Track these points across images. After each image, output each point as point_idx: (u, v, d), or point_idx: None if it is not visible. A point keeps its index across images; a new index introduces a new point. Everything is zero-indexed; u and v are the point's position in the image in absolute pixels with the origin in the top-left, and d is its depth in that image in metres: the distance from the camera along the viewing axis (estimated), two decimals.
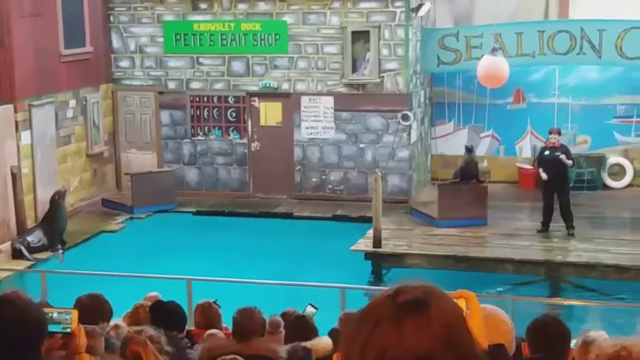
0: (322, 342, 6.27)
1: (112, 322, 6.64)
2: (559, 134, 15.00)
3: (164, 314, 6.36)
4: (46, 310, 3.63)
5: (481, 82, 15.88)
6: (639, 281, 13.19)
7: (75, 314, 3.61)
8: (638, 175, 18.35)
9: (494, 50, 15.55)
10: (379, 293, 1.76)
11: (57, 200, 15.50)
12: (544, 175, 14.48)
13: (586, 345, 5.10)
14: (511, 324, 3.40)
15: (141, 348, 4.18)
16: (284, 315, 7.09)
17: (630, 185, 18.35)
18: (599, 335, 5.80)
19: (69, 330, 3.52)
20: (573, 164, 14.98)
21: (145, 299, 7.52)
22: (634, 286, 13.09)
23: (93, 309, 5.76)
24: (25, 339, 2.80)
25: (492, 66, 15.19)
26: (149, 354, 4.18)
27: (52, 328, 3.50)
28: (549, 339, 4.55)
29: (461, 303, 1.91)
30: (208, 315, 7.10)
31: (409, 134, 17.69)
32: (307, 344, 6.15)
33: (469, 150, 15.87)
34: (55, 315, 3.57)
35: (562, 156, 14.38)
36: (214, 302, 7.47)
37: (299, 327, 6.57)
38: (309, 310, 7.15)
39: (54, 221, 15.36)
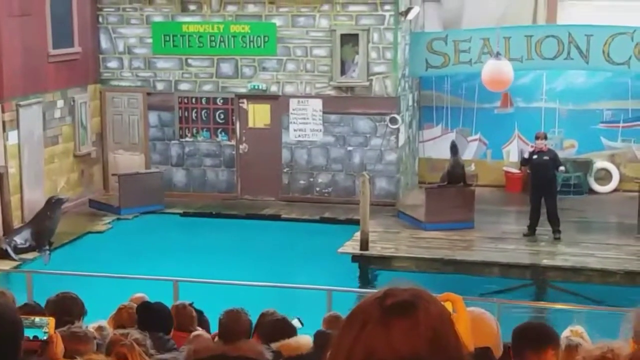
0: (302, 340, 6.27)
1: (95, 324, 6.64)
2: (546, 138, 15.10)
3: (150, 315, 6.35)
4: (28, 316, 3.64)
5: (486, 86, 15.90)
6: (625, 285, 13.25)
7: (52, 321, 3.63)
8: (624, 180, 18.44)
9: (497, 55, 15.61)
10: (366, 295, 1.77)
11: (54, 204, 15.43)
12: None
13: (570, 348, 5.13)
14: (498, 327, 3.42)
15: (127, 350, 4.19)
16: (262, 315, 7.07)
17: (616, 190, 18.43)
18: (576, 329, 5.84)
19: (46, 337, 3.54)
20: (566, 169, 15.08)
21: (131, 300, 7.51)
22: (619, 290, 13.15)
23: (63, 308, 5.74)
24: (1, 339, 2.80)
25: (496, 70, 15.26)
26: (135, 355, 4.18)
27: (33, 332, 3.51)
28: (536, 343, 4.57)
29: (448, 306, 1.93)
30: (182, 316, 7.06)
31: (397, 137, 17.72)
32: (290, 341, 6.14)
33: (454, 151, 15.89)
34: (37, 320, 3.59)
35: (562, 168, 14.68)
36: (190, 304, 7.46)
37: (278, 329, 6.56)
38: (295, 323, 7.14)
39: (44, 222, 15.29)
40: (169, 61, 18.52)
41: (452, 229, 15.19)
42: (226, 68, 18.25)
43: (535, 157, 14.71)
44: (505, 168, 18.73)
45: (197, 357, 4.86)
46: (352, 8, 17.49)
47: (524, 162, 15.12)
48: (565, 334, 5.74)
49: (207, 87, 18.43)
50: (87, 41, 18.33)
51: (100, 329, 6.52)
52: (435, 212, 15.35)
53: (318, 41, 17.74)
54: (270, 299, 9.66)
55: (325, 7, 17.58)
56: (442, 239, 14.93)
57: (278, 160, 18.20)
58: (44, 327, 3.58)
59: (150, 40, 18.54)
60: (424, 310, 1.65)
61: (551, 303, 13.11)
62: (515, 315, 10.74)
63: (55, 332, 3.61)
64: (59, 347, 3.57)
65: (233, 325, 5.76)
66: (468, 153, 18.70)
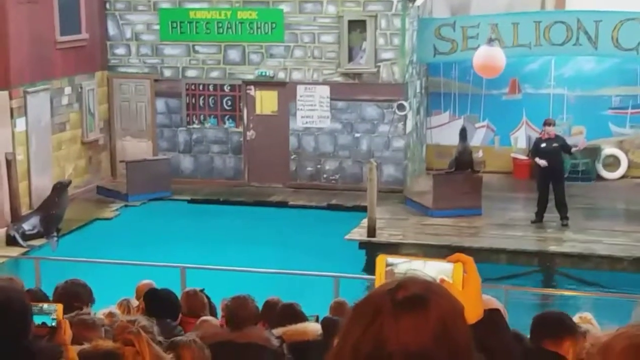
0: (311, 326, 6.28)
1: (106, 310, 6.67)
2: (554, 125, 15.06)
3: (157, 302, 6.37)
4: (36, 302, 3.67)
5: (478, 72, 15.91)
6: (632, 272, 13.24)
7: (60, 307, 3.65)
8: (632, 166, 18.38)
9: (490, 41, 15.56)
10: (378, 285, 1.76)
11: (59, 189, 15.48)
12: (542, 162, 14.45)
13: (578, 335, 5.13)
14: (505, 313, 3.42)
15: (134, 336, 4.19)
16: (267, 303, 7.08)
17: (624, 176, 18.38)
18: (585, 316, 5.84)
19: (54, 323, 3.57)
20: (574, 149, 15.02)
21: (138, 286, 7.53)
22: (627, 277, 13.13)
23: (72, 295, 5.76)
24: (11, 325, 2.82)
25: (488, 57, 15.21)
26: (142, 342, 4.19)
27: (41, 319, 3.54)
28: (554, 332, 4.58)
29: (458, 267, 1.92)
30: (193, 303, 7.08)
31: (405, 124, 17.69)
32: (296, 327, 6.15)
33: (463, 136, 15.85)
34: (45, 307, 3.61)
35: (574, 148, 14.58)
36: (201, 291, 7.48)
37: (287, 315, 6.57)
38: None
39: (52, 209, 15.33)
40: (176, 48, 18.50)
41: (460, 216, 15.17)
42: (233, 54, 18.22)
43: (543, 144, 14.66)
44: (513, 154, 18.69)
45: (205, 342, 4.88)
46: None
47: (534, 152, 14.96)
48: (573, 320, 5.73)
49: (214, 74, 18.40)
50: (95, 28, 18.32)
51: (110, 315, 6.55)
52: (443, 199, 15.33)
53: (325, 27, 17.69)
54: (277, 286, 9.68)
55: None
56: (450, 225, 14.92)
57: (285, 147, 18.19)
58: (52, 313, 3.60)
59: (157, 27, 18.52)
60: (435, 305, 1.64)
61: (559, 290, 13.12)
62: (522, 302, 10.75)
63: (63, 318, 3.63)
64: (67, 333, 3.59)
65: (240, 312, 5.76)
66: (476, 139, 18.65)
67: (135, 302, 7.05)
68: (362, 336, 1.63)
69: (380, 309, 1.64)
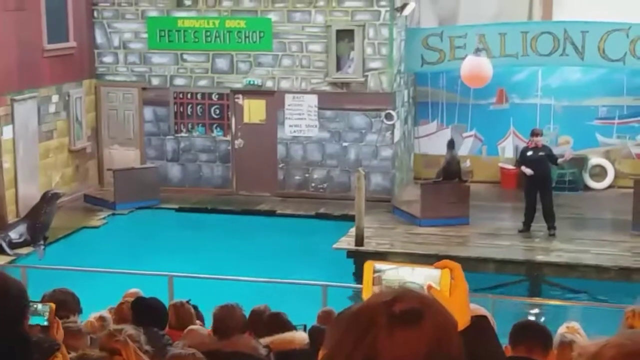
0: (298, 335, 6.27)
1: (97, 314, 6.65)
2: (542, 134, 15.12)
3: (145, 311, 6.35)
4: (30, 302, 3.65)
5: (465, 82, 15.98)
6: (619, 281, 13.28)
7: (52, 307, 3.64)
8: (619, 176, 18.46)
9: (477, 51, 15.64)
10: (374, 295, 1.74)
11: (50, 199, 15.40)
12: (528, 171, 14.51)
13: (564, 345, 5.14)
14: (493, 322, 3.43)
15: (121, 345, 4.18)
16: (253, 312, 7.07)
17: (611, 186, 18.45)
18: (572, 326, 5.86)
19: (46, 323, 3.57)
20: (564, 160, 15.12)
21: (126, 295, 7.51)
22: (614, 286, 13.18)
23: (59, 303, 5.73)
24: (8, 309, 2.82)
25: (475, 66, 15.28)
26: (129, 351, 4.18)
27: (36, 320, 3.54)
28: (532, 340, 4.60)
29: (445, 273, 1.91)
30: (181, 315, 7.06)
31: (392, 133, 17.72)
32: (284, 336, 6.14)
33: (451, 146, 15.93)
34: (40, 307, 3.61)
35: (560, 159, 14.70)
36: (187, 302, 7.47)
37: (274, 324, 6.56)
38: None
39: (39, 217, 15.25)
40: (164, 56, 18.49)
41: (447, 225, 15.20)
42: (221, 63, 18.23)
43: (530, 153, 14.72)
44: (500, 164, 18.74)
45: None
46: (347, 4, 17.47)
47: (521, 160, 15.04)
48: (561, 330, 5.76)
49: (202, 83, 18.40)
50: (82, 36, 18.29)
51: (101, 318, 6.53)
52: (431, 208, 15.36)
53: (314, 37, 17.72)
54: (265, 295, 9.66)
55: (321, 2, 17.57)
56: (437, 234, 14.94)
57: (273, 155, 18.19)
58: (45, 314, 3.61)
59: (145, 35, 18.51)
60: (430, 321, 1.63)
61: (546, 299, 13.15)
62: (509, 311, 10.76)
63: (55, 317, 3.63)
64: (59, 332, 3.59)
65: (227, 321, 5.76)
66: (463, 149, 18.69)
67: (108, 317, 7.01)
68: (354, 348, 1.62)
69: (375, 321, 1.62)
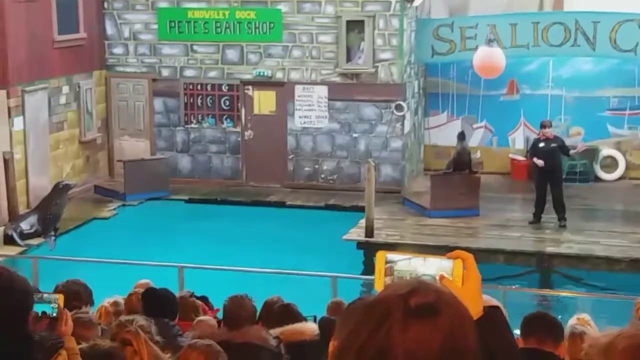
0: (308, 326, 6.27)
1: (111, 299, 6.68)
2: (551, 125, 15.06)
3: (155, 301, 6.36)
4: (36, 292, 3.66)
5: (477, 73, 15.91)
6: (630, 273, 13.24)
7: (61, 298, 3.64)
8: (630, 167, 18.39)
9: (489, 41, 15.58)
10: (390, 287, 1.73)
11: (61, 190, 15.45)
12: (540, 162, 14.46)
13: (574, 336, 5.13)
14: (505, 312, 3.42)
15: (132, 336, 4.19)
16: (266, 303, 7.08)
17: (622, 177, 18.38)
18: (583, 317, 5.84)
19: (55, 314, 3.56)
20: (576, 152, 15.15)
21: (136, 286, 7.52)
22: (624, 278, 13.14)
23: (72, 294, 5.75)
24: (12, 307, 2.82)
25: (488, 57, 15.22)
26: (140, 342, 4.19)
27: (41, 307, 3.53)
28: (543, 332, 4.59)
29: (458, 263, 1.90)
30: (185, 307, 7.08)
31: (403, 124, 17.69)
32: (294, 327, 6.14)
33: (462, 138, 15.88)
34: (45, 295, 3.60)
35: (573, 151, 14.78)
36: (191, 295, 7.48)
37: (284, 315, 6.56)
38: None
39: (50, 208, 15.30)
40: (174, 47, 18.50)
41: (457, 217, 15.17)
42: (231, 54, 18.22)
43: (542, 144, 14.67)
44: (511, 155, 18.69)
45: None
46: None
47: (532, 152, 15.01)
48: (571, 322, 5.74)
49: (212, 74, 18.40)
50: (93, 27, 18.30)
51: (115, 304, 6.57)
52: (441, 200, 15.33)
53: (324, 27, 17.69)
54: (275, 286, 9.67)
55: None
56: (447, 226, 14.92)
57: (283, 147, 18.19)
58: (52, 302, 3.59)
59: (155, 26, 18.51)
60: (446, 316, 1.61)
61: (557, 291, 13.12)
62: (520, 302, 10.75)
63: (64, 309, 3.62)
64: (69, 324, 3.58)
65: (237, 311, 5.76)
66: (474, 140, 18.64)
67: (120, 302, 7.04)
68: (368, 339, 1.60)
69: (390, 313, 1.60)
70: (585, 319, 5.93)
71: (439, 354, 1.58)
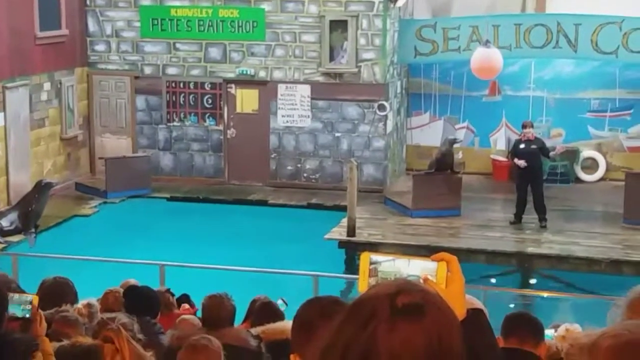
0: (290, 325, 6.27)
1: (84, 301, 6.64)
2: (532, 126, 15.13)
3: (137, 299, 6.35)
4: (9, 293, 3.63)
5: (475, 74, 15.91)
6: (610, 274, 13.32)
7: (35, 299, 3.61)
8: (610, 169, 18.50)
9: (487, 43, 15.63)
10: (376, 286, 1.72)
11: (42, 188, 15.35)
12: (521, 163, 14.52)
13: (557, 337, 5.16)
14: (486, 313, 3.43)
15: (114, 333, 4.18)
16: (254, 302, 7.08)
17: (602, 179, 18.48)
18: (573, 329, 5.85)
19: (28, 315, 3.53)
20: (555, 154, 15.23)
21: (121, 286, 7.49)
22: (604, 278, 13.22)
23: (56, 292, 5.73)
24: None
25: (485, 58, 15.28)
26: (122, 340, 4.17)
27: (12, 309, 3.50)
28: (525, 331, 4.62)
29: (442, 266, 1.91)
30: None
31: (385, 124, 17.72)
32: (275, 325, 6.14)
33: (452, 143, 15.90)
34: (16, 297, 3.58)
35: (552, 153, 14.77)
36: (167, 291, 7.45)
37: (266, 313, 6.57)
38: (279, 304, 7.18)
39: (31, 205, 15.21)
40: (156, 45, 18.44)
41: (439, 216, 15.22)
42: (214, 53, 18.18)
43: (522, 145, 14.75)
44: (492, 156, 18.76)
45: (181, 344, 4.86)
46: None
47: (513, 153, 15.08)
48: (560, 332, 5.75)
49: (195, 72, 18.36)
50: (75, 24, 18.21)
51: (88, 305, 6.53)
52: (422, 199, 15.38)
53: (307, 27, 17.69)
54: (257, 284, 9.68)
55: None
56: (429, 226, 14.96)
57: (266, 145, 18.18)
58: (23, 304, 3.56)
59: (138, 24, 18.44)
60: (432, 317, 1.61)
61: (537, 290, 13.19)
62: (500, 302, 10.80)
63: (38, 310, 3.60)
64: (42, 325, 3.56)
65: (216, 311, 5.73)
66: None
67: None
68: (353, 338, 1.60)
69: (377, 313, 1.61)
70: (575, 330, 5.88)
71: (423, 355, 1.58)
